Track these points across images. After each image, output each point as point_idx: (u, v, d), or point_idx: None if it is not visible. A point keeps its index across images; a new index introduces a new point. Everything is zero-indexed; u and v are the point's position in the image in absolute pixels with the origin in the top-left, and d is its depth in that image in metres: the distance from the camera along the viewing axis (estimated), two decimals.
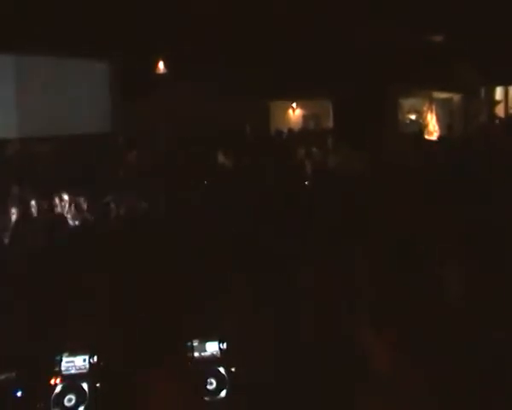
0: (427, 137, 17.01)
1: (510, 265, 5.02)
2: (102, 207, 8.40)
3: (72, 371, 3.13)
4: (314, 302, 4.52)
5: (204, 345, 3.28)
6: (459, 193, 7.74)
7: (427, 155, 12.12)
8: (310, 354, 3.81)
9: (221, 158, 12.02)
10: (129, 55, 13.49)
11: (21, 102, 13.02)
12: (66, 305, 4.56)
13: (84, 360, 3.18)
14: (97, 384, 3.07)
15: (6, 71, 12.89)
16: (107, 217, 7.93)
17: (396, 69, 14.10)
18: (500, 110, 17.79)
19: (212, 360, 3.19)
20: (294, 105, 19.88)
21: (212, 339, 3.30)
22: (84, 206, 8.71)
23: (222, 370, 3.14)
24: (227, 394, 3.05)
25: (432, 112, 18.39)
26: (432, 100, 18.43)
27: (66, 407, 2.97)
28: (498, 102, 17.98)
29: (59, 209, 8.04)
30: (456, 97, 18.42)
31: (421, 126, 17.98)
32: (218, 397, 3.05)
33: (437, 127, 18.10)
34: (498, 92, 18.10)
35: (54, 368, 3.13)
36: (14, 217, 7.58)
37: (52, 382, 3.05)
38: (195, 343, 3.29)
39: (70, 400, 2.99)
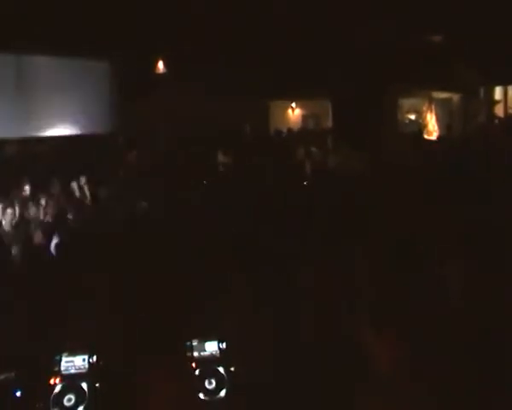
0: (426, 136, 17.00)
1: (510, 264, 5.03)
2: (102, 207, 8.41)
3: (72, 371, 3.13)
4: (314, 302, 4.52)
5: (203, 345, 3.28)
6: (458, 193, 7.74)
7: (426, 154, 12.12)
8: (309, 354, 3.81)
9: (221, 158, 12.02)
10: (129, 55, 13.49)
11: (22, 101, 13.02)
12: (67, 305, 4.56)
13: (84, 360, 3.18)
14: (97, 384, 3.07)
15: (6, 71, 12.89)
16: (107, 217, 7.93)
17: (395, 69, 14.09)
18: (499, 110, 17.78)
19: (212, 360, 3.19)
20: (294, 105, 19.87)
21: (211, 339, 3.30)
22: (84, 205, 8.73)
23: (221, 369, 3.14)
24: (226, 393, 3.05)
25: (431, 112, 18.37)
26: (431, 100, 18.41)
27: (66, 406, 2.97)
28: (498, 102, 17.97)
29: (56, 210, 8.01)
30: (456, 97, 18.41)
31: (420, 126, 17.95)
32: (218, 397, 3.05)
33: (436, 127, 18.07)
34: (498, 92, 18.09)
35: (53, 368, 3.13)
36: (14, 216, 7.58)
37: (51, 382, 3.05)
38: (195, 343, 3.29)
39: (69, 399, 2.99)
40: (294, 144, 13.80)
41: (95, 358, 3.21)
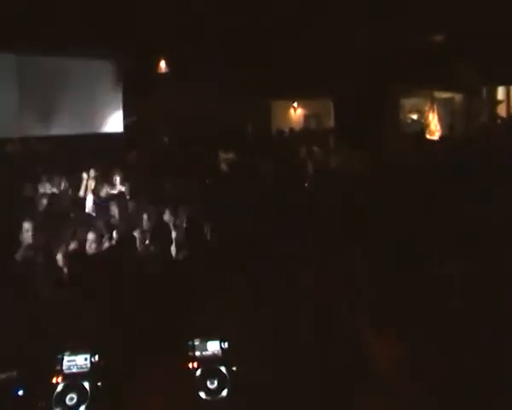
0: (428, 136, 16.99)
1: (510, 264, 5.03)
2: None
3: (74, 370, 3.14)
4: (314, 302, 4.53)
5: (205, 344, 3.29)
6: (460, 193, 7.74)
7: (428, 154, 12.11)
8: (310, 354, 3.82)
9: (222, 157, 12.03)
10: (129, 55, 13.50)
11: (22, 101, 13.04)
12: (67, 305, 4.57)
13: (86, 359, 3.19)
14: (98, 383, 3.08)
15: (7, 71, 12.91)
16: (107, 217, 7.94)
17: (398, 69, 14.08)
18: (502, 110, 17.77)
19: (214, 360, 3.20)
20: (296, 105, 19.88)
21: (213, 338, 3.31)
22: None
23: (223, 369, 3.14)
24: (228, 393, 3.06)
25: (433, 112, 18.36)
26: (433, 100, 18.40)
27: (68, 405, 2.98)
28: (500, 102, 17.96)
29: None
30: (458, 97, 18.39)
31: (422, 126, 17.96)
32: (220, 396, 3.05)
33: (438, 127, 18.07)
34: (500, 92, 18.08)
35: (55, 367, 3.14)
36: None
37: (54, 381, 3.06)
38: (197, 343, 3.30)
39: (71, 399, 3.00)
40: (296, 144, 13.80)
41: (97, 357, 3.22)
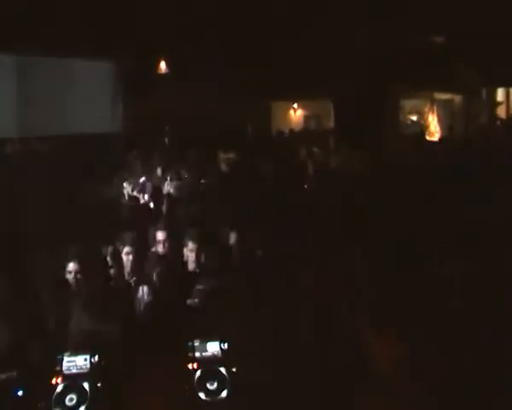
0: (428, 138, 17.00)
1: (510, 265, 5.03)
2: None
3: (74, 371, 3.14)
4: (314, 302, 4.53)
5: (205, 345, 3.28)
6: (460, 194, 7.75)
7: (428, 155, 12.12)
8: (310, 354, 3.82)
9: (223, 158, 12.04)
10: (129, 55, 13.50)
11: (23, 101, 13.05)
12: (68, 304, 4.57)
13: (86, 360, 3.19)
14: (98, 384, 3.07)
15: (8, 71, 12.92)
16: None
17: (398, 70, 14.10)
18: (501, 111, 17.79)
19: (213, 361, 3.20)
20: (296, 106, 19.91)
21: (213, 339, 3.31)
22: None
23: (223, 370, 3.14)
24: (228, 394, 3.05)
25: (433, 113, 18.38)
26: (433, 101, 18.42)
27: (68, 406, 2.97)
28: (500, 104, 17.98)
29: None
30: (458, 98, 18.41)
31: (422, 127, 17.98)
32: (219, 397, 3.05)
33: (438, 128, 18.09)
34: (500, 93, 18.09)
35: (55, 367, 3.14)
36: None
37: (53, 381, 3.06)
38: (196, 343, 3.29)
39: (71, 399, 3.00)
40: (296, 145, 13.81)
41: (96, 358, 3.21)
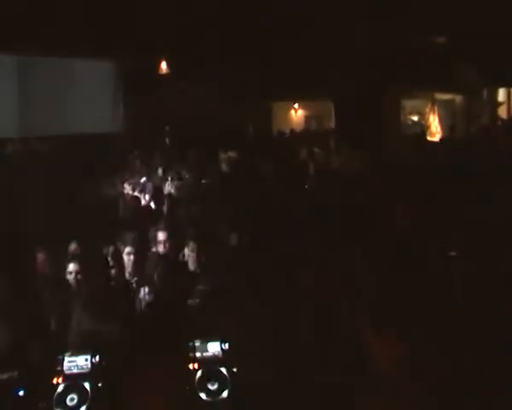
0: (429, 138, 16.98)
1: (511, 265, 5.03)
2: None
3: (75, 371, 3.14)
4: (314, 303, 4.53)
5: (206, 345, 3.28)
6: (461, 194, 7.74)
7: (429, 155, 12.11)
8: (311, 355, 3.82)
9: (223, 158, 12.06)
10: (130, 55, 13.51)
11: (24, 101, 13.06)
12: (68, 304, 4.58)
13: (86, 360, 3.20)
14: (99, 384, 3.08)
15: (8, 71, 12.93)
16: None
17: (398, 70, 14.10)
18: (502, 111, 17.77)
19: (214, 361, 3.20)
20: (296, 106, 19.92)
21: (213, 339, 3.31)
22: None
23: (224, 370, 3.14)
24: (229, 394, 3.06)
25: (434, 113, 18.36)
26: (434, 101, 18.40)
27: (69, 406, 2.98)
28: (501, 104, 17.96)
29: None
30: (459, 98, 18.41)
31: (423, 128, 17.96)
32: (220, 397, 3.05)
33: (439, 128, 18.07)
34: (501, 93, 18.08)
35: (56, 367, 3.14)
36: None
37: (54, 381, 3.06)
38: (197, 344, 3.30)
39: (72, 399, 3.00)
40: (297, 145, 13.82)
41: (97, 358, 3.22)
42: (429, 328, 3.90)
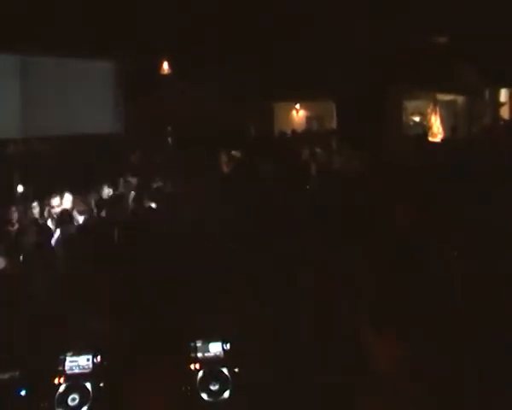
0: (431, 138, 16.97)
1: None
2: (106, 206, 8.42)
3: (76, 371, 3.16)
4: (315, 302, 4.54)
5: (207, 346, 3.30)
6: (463, 195, 7.74)
7: (431, 156, 12.10)
8: (311, 355, 3.83)
9: (224, 158, 12.06)
10: (130, 55, 13.52)
11: (25, 101, 13.07)
12: (70, 304, 4.58)
13: (88, 360, 3.21)
14: (101, 384, 3.09)
15: (9, 71, 12.94)
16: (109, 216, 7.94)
17: (400, 71, 14.10)
18: (505, 112, 17.76)
19: (216, 361, 3.21)
20: (298, 106, 19.93)
21: (215, 340, 3.32)
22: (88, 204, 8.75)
23: (225, 370, 3.15)
24: (230, 394, 3.07)
25: (436, 114, 18.34)
26: (436, 102, 18.39)
27: (70, 406, 3.00)
28: (503, 104, 17.95)
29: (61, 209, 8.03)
30: (461, 99, 18.39)
31: (425, 128, 17.95)
32: (221, 398, 3.06)
33: (441, 129, 18.05)
34: (503, 94, 18.07)
35: (57, 367, 3.15)
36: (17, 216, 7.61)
37: (56, 381, 3.07)
38: (199, 344, 3.31)
39: (74, 399, 3.02)
40: (299, 145, 13.82)
41: (99, 358, 3.23)
42: (429, 328, 3.91)
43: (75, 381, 3.09)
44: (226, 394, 3.08)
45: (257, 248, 5.73)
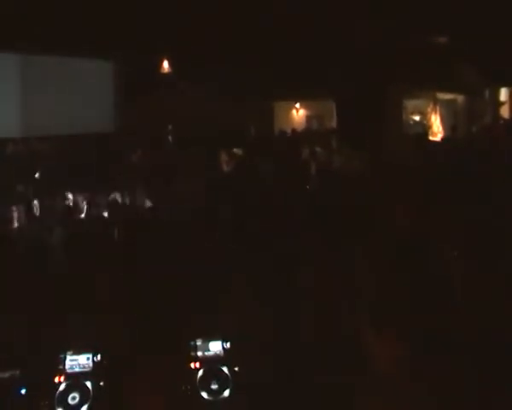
0: (431, 138, 16.98)
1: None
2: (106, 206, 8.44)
3: (76, 370, 3.16)
4: (314, 302, 4.54)
5: (207, 345, 3.30)
6: (463, 194, 7.74)
7: (431, 155, 12.11)
8: (311, 354, 3.83)
9: (225, 158, 12.08)
10: (130, 54, 13.53)
11: (25, 101, 13.08)
12: (70, 304, 4.58)
13: (88, 359, 3.21)
14: (101, 383, 3.10)
15: (10, 70, 12.95)
16: (109, 215, 7.96)
17: (400, 70, 14.10)
18: (505, 111, 17.76)
19: (216, 360, 3.21)
20: (298, 106, 19.93)
21: (215, 339, 3.32)
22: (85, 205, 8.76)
23: (225, 369, 3.16)
24: (230, 393, 3.07)
25: (436, 113, 18.35)
26: (436, 101, 18.39)
27: (70, 405, 3.00)
28: (503, 103, 17.95)
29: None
30: (461, 98, 18.40)
31: (425, 127, 17.96)
32: (222, 397, 3.07)
33: (441, 128, 18.06)
34: (503, 93, 18.07)
35: (58, 366, 3.16)
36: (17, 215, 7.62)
37: (56, 380, 3.08)
38: (199, 343, 3.31)
39: (74, 398, 3.02)
40: (299, 145, 13.83)
41: (99, 357, 3.23)
42: (429, 328, 3.90)
43: (75, 380, 3.09)
44: (226, 393, 3.09)
45: (257, 248, 5.73)
